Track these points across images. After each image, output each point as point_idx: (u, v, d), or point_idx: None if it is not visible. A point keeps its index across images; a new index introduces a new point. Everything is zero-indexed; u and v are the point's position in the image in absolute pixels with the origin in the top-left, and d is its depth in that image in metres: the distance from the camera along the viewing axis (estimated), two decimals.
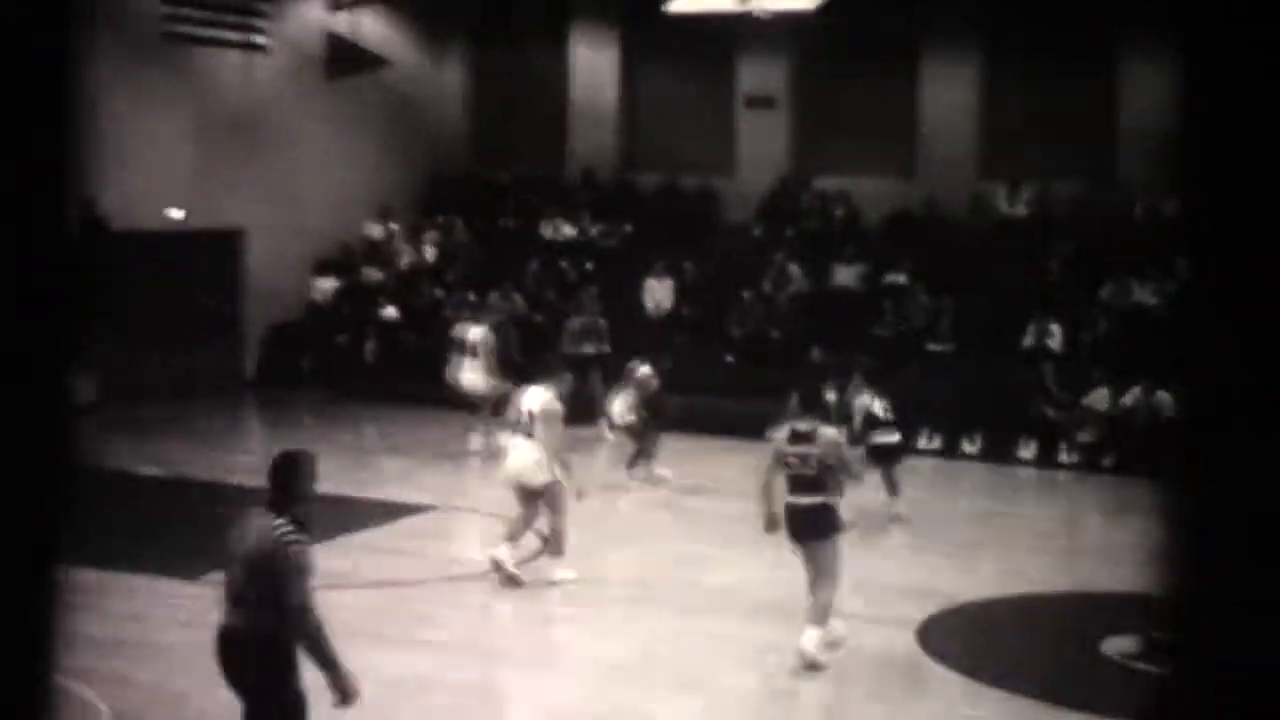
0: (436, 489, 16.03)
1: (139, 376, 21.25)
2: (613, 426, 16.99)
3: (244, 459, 18.20)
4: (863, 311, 20.80)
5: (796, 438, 10.34)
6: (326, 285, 23.50)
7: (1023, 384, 18.52)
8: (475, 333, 18.24)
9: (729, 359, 20.82)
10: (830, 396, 18.86)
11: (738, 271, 22.14)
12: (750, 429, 17.86)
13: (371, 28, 24.12)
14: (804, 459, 10.22)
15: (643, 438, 16.56)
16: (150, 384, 21.35)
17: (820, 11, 20.48)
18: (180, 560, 12.71)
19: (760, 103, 24.12)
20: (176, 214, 21.44)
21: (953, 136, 22.76)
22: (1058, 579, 12.93)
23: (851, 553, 13.74)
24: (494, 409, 17.19)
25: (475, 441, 18.06)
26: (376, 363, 22.30)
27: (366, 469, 17.25)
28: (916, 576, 12.90)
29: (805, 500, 10.26)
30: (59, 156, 1.61)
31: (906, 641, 11.00)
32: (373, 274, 23.74)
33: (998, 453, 18.33)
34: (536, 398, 12.24)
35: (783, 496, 10.40)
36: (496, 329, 18.72)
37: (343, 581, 12.07)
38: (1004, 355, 19.29)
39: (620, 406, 16.75)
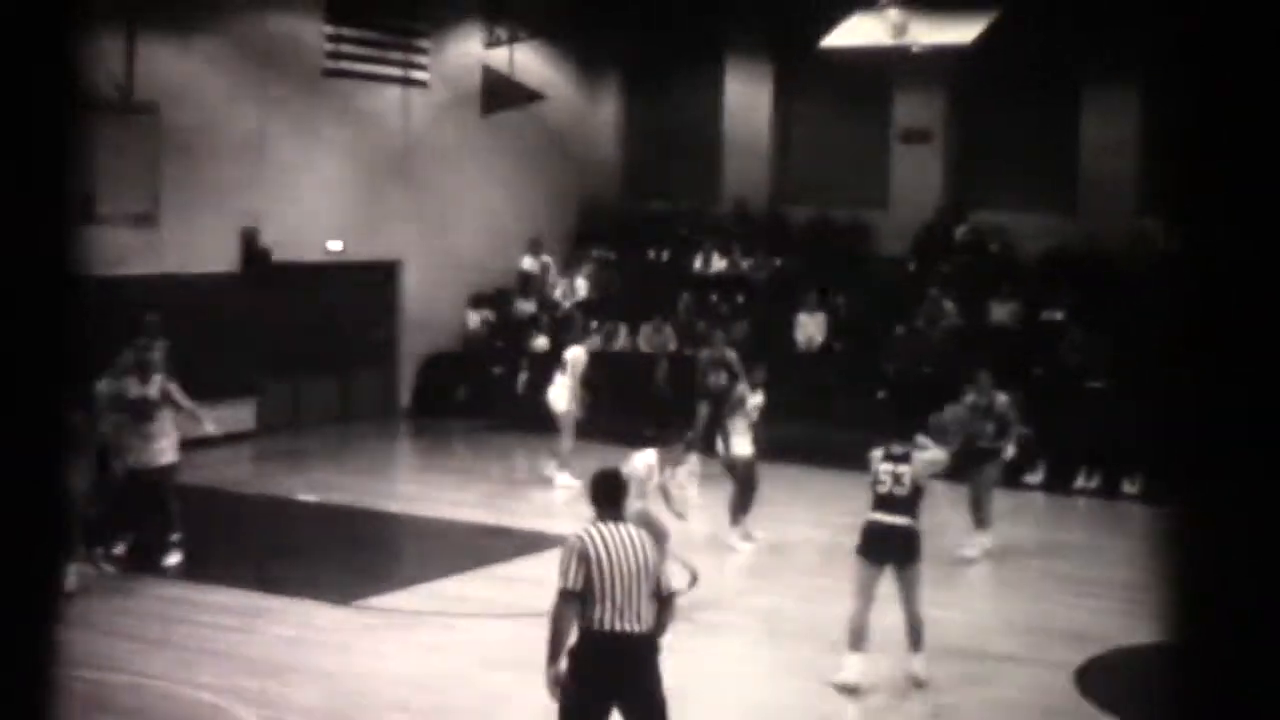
0: (586, 520, 16.01)
1: (297, 405, 21.69)
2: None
3: (398, 487, 18.45)
4: (1019, 348, 20.43)
5: (891, 457, 10.32)
6: (481, 316, 23.77)
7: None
8: (571, 352, 18.27)
9: (880, 395, 20.59)
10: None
11: (890, 306, 21.92)
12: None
13: (527, 62, 24.40)
14: (897, 477, 10.19)
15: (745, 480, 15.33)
16: (308, 412, 21.77)
17: (978, 44, 20.25)
18: (336, 585, 12.90)
19: (916, 136, 23.91)
20: (335, 245, 21.87)
21: (1112, 170, 22.31)
22: None
23: (1005, 593, 13.53)
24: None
25: (549, 469, 17.95)
26: (529, 394, 22.45)
27: (517, 499, 17.35)
28: (1075, 619, 12.59)
29: (895, 520, 10.19)
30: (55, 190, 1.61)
31: (1064, 685, 10.73)
32: (525, 306, 23.95)
33: (1159, 494, 17.81)
34: (641, 460, 12.04)
35: (868, 514, 10.35)
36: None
37: (495, 611, 12.14)
38: (1165, 393, 18.77)
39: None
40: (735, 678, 10.91)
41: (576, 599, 7.15)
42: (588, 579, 7.12)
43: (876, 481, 10.27)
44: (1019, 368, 19.82)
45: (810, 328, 22.04)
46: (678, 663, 11.03)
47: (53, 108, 1.58)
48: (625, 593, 7.13)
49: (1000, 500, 18.16)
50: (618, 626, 7.11)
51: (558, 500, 17.06)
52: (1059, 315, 20.89)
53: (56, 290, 1.59)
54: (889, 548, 10.19)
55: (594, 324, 22.88)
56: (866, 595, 10.20)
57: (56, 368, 1.61)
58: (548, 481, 17.74)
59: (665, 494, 12.35)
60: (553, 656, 7.17)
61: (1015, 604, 13.09)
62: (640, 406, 20.99)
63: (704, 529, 14.78)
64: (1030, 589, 13.70)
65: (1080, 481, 18.26)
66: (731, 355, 19.30)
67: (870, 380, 20.75)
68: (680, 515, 12.53)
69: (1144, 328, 20.16)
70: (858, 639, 10.19)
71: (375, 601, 12.55)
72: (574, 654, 7.20)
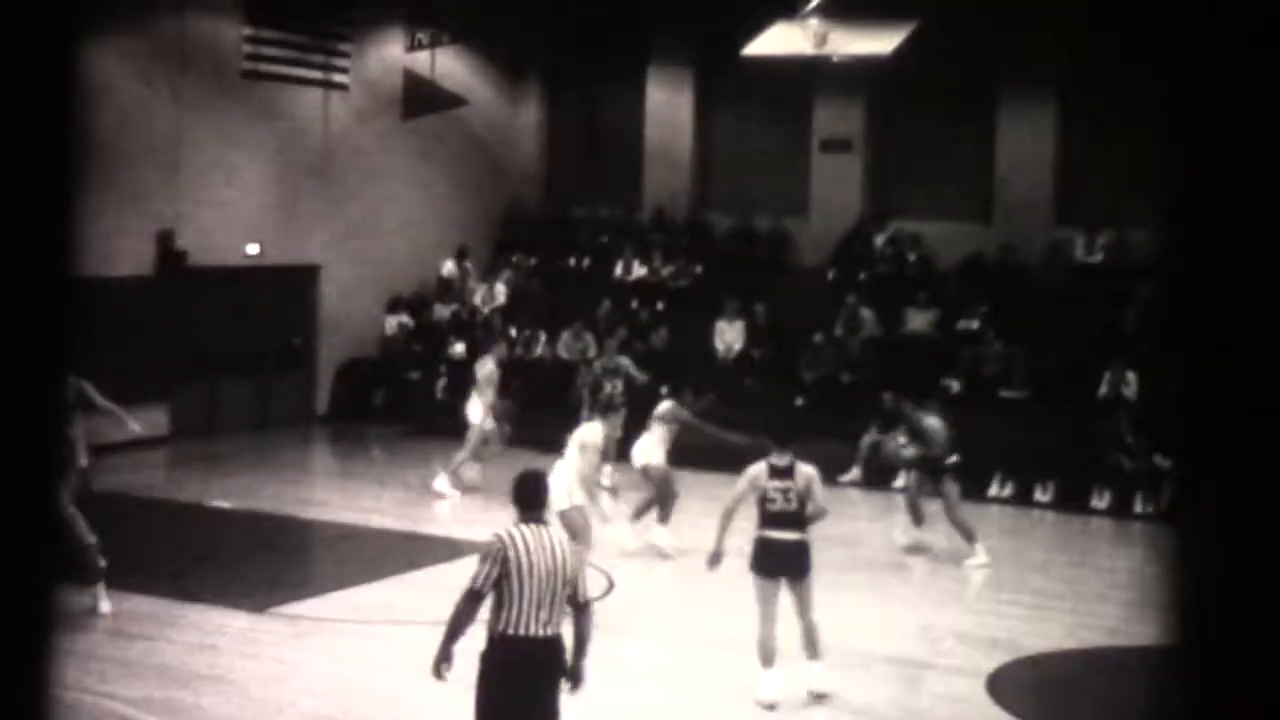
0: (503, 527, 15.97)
1: (212, 410, 21.46)
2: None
3: (314, 493, 18.30)
4: (935, 357, 20.62)
5: (775, 472, 10.20)
6: (399, 322, 23.64)
7: (1098, 433, 18.26)
8: (481, 366, 18.19)
9: (799, 402, 20.70)
10: (866, 439, 18.79)
11: (809, 314, 22.03)
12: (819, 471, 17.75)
13: (449, 67, 24.31)
14: (785, 493, 10.12)
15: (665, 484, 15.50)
16: (223, 417, 21.55)
17: (897, 55, 20.43)
18: (249, 592, 12.78)
19: (835, 145, 24.08)
20: (253, 249, 21.67)
21: (1029, 181, 22.59)
22: (1131, 630, 12.70)
23: (922, 599, 13.64)
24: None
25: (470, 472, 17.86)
26: (447, 400, 22.36)
27: (433, 506, 17.26)
28: (987, 625, 12.72)
29: (789, 535, 10.16)
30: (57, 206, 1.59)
31: (977, 691, 10.83)
32: (443, 311, 23.86)
33: (1071, 502, 18.07)
34: (584, 429, 13.13)
35: (759, 531, 10.27)
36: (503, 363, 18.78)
37: (409, 618, 12.07)
38: (1079, 404, 19.05)
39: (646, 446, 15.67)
40: (650, 687, 10.91)
41: (480, 599, 7.25)
42: (501, 581, 7.17)
43: (766, 499, 10.16)
44: (935, 376, 20.05)
45: (730, 335, 22.12)
46: (594, 671, 11.03)
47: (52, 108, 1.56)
48: (539, 596, 7.17)
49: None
50: (528, 631, 7.15)
51: (466, 507, 16.99)
52: (975, 324, 21.10)
53: (56, 296, 1.56)
54: (782, 563, 10.18)
55: (512, 331, 22.83)
56: (769, 610, 10.19)
57: (52, 377, 1.59)
58: (437, 494, 17.50)
59: (592, 495, 12.62)
60: (445, 642, 7.31)
61: (929, 611, 13.19)
62: (558, 413, 20.99)
63: (623, 537, 14.77)
64: (945, 596, 13.82)
65: (994, 489, 18.44)
66: (625, 362, 19.36)
67: (789, 388, 20.86)
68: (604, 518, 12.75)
69: (1058, 337, 20.44)
70: (768, 655, 10.19)
71: (288, 609, 12.44)
72: (483, 659, 7.26)
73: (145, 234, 20.05)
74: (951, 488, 15.12)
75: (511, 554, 7.21)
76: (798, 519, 10.17)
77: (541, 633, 7.18)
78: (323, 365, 23.24)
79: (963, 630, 12.49)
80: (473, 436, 17.63)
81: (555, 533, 7.57)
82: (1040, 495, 18.31)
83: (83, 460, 12.71)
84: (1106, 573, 15.41)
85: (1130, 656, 12.05)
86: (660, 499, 15.09)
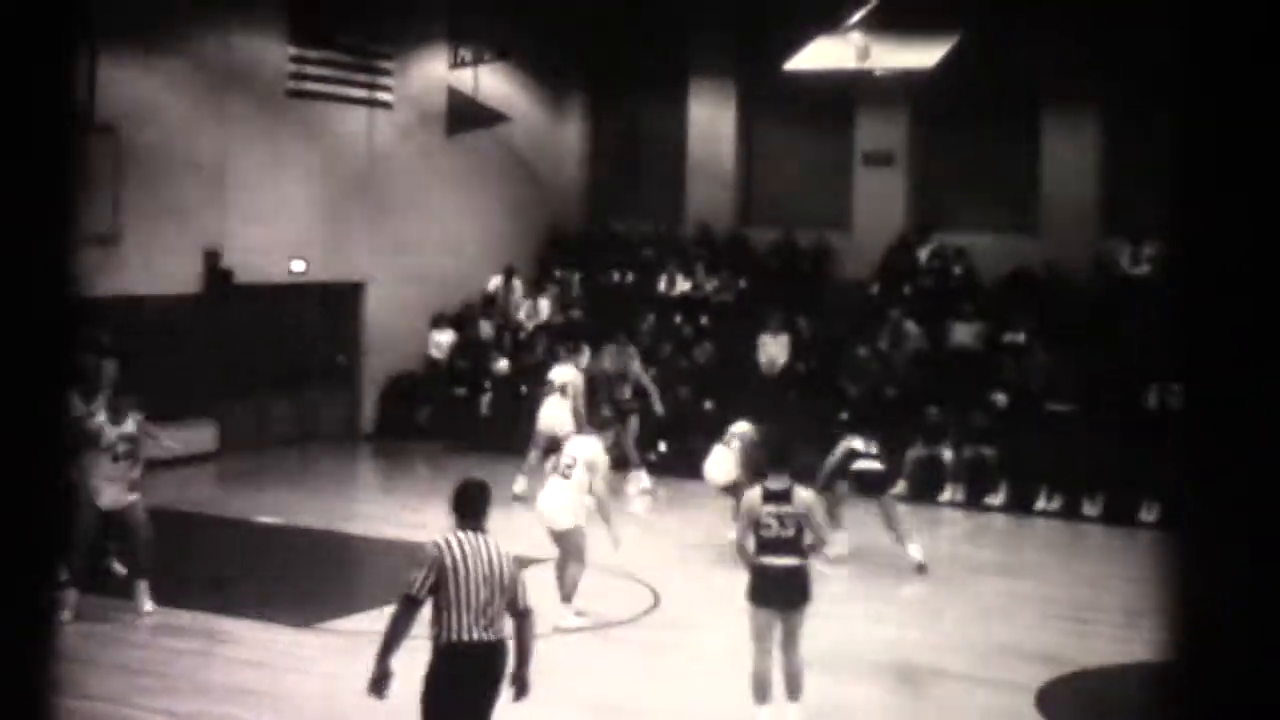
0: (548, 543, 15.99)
1: (259, 426, 21.59)
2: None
3: (360, 509, 18.37)
4: (981, 370, 20.53)
5: (771, 496, 9.72)
6: (443, 338, 23.71)
7: (1146, 446, 18.10)
8: (561, 373, 18.30)
9: (843, 416, 20.61)
10: (911, 454, 18.75)
11: (853, 328, 21.98)
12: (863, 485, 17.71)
13: (492, 84, 24.41)
14: (780, 519, 9.63)
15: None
16: (269, 433, 21.68)
17: (940, 68, 20.36)
18: (296, 607, 12.82)
19: (878, 159, 24.03)
20: (298, 266, 21.80)
21: (1073, 192, 22.47)
22: None
23: (968, 613, 13.56)
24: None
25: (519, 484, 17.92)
26: (492, 416, 22.42)
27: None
28: (1035, 639, 12.63)
29: (785, 562, 9.64)
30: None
31: (1025, 706, 10.75)
32: (487, 327, 23.93)
33: (1120, 516, 17.92)
34: (585, 448, 12.54)
35: (755, 559, 9.73)
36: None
37: None
38: (1127, 416, 18.89)
39: (722, 466, 15.96)
40: (689, 698, 10.88)
41: (417, 606, 7.35)
42: (438, 587, 7.26)
43: (761, 525, 9.65)
44: (980, 389, 19.96)
45: (773, 349, 22.08)
46: (632, 680, 11.02)
47: (51, 127, 1.58)
48: (478, 602, 7.24)
49: (962, 521, 18.29)
50: (469, 636, 7.24)
51: (513, 521, 16.98)
52: (1021, 337, 20.99)
53: (60, 314, 1.58)
54: (782, 591, 9.68)
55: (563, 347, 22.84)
56: (765, 643, 9.75)
57: (57, 392, 1.61)
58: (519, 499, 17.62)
59: (607, 515, 12.42)
60: (381, 654, 7.38)
61: (976, 624, 13.12)
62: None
63: (664, 549, 14.77)
64: (991, 609, 13.73)
65: (1041, 503, 18.33)
66: (636, 369, 19.38)
67: (833, 402, 20.79)
68: (618, 544, 12.53)
69: (1105, 349, 20.30)
70: (763, 691, 9.75)
71: (335, 624, 12.49)
72: (429, 667, 7.36)
73: (192, 252, 20.21)
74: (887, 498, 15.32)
75: (447, 560, 7.31)
76: (795, 545, 9.66)
77: (482, 637, 7.25)
78: (368, 382, 23.34)
79: (1010, 644, 12.40)
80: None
81: (493, 541, 7.57)
82: (1089, 509, 18.17)
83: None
84: (1155, 587, 15.25)
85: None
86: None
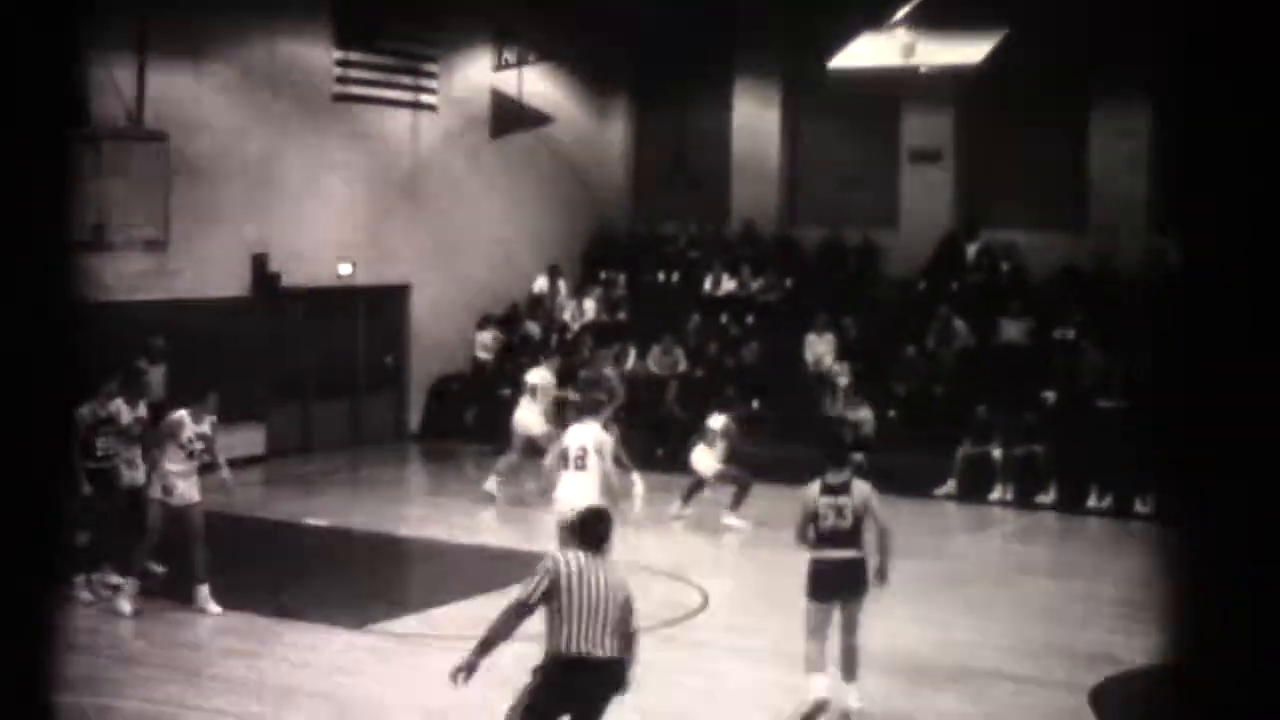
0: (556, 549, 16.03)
1: (306, 429, 21.69)
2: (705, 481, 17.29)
3: (408, 511, 18.42)
4: (1030, 368, 20.39)
5: (829, 489, 9.95)
6: (489, 339, 23.75)
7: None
8: (534, 375, 18.51)
9: (891, 414, 20.54)
10: (961, 452, 18.77)
11: (901, 326, 21.88)
12: (912, 485, 17.66)
13: (536, 85, 24.44)
14: (839, 510, 9.85)
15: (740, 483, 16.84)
16: (317, 436, 21.77)
17: (986, 64, 20.24)
18: (347, 609, 12.87)
19: (925, 156, 23.91)
20: (345, 269, 21.89)
21: (1123, 187, 22.27)
22: None
23: (1020, 613, 13.46)
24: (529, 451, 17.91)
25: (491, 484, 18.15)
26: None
27: (527, 522, 17.29)
28: (1088, 639, 12.53)
29: (842, 554, 9.84)
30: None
31: (1078, 707, 10.67)
32: (533, 328, 23.95)
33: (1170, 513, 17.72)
34: (588, 433, 12.70)
35: (813, 552, 9.93)
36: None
37: (516, 635, 12.08)
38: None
39: (706, 460, 17.01)
40: (741, 701, 10.85)
41: (528, 611, 7.47)
42: (550, 598, 7.39)
43: (818, 517, 9.85)
44: (1030, 387, 19.82)
45: (820, 348, 22.00)
46: (680, 684, 10.99)
47: (52, 134, 1.57)
48: (590, 620, 7.38)
49: (1012, 520, 18.17)
50: (574, 650, 7.37)
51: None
52: (1071, 334, 20.83)
53: (58, 317, 1.57)
54: (840, 583, 9.84)
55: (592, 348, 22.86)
56: (820, 636, 9.89)
57: (59, 392, 1.60)
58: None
59: (614, 496, 12.55)
60: (479, 649, 7.54)
61: (1028, 624, 13.02)
62: (649, 428, 21.02)
63: (712, 550, 14.74)
64: (1044, 609, 13.63)
65: (1092, 501, 18.18)
66: (611, 374, 19.41)
67: (881, 401, 20.70)
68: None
69: (1157, 345, 20.12)
70: (815, 663, 9.89)
71: (387, 626, 12.52)
72: (534, 675, 7.54)
73: (240, 256, 20.32)
74: None
75: (562, 571, 7.45)
76: (853, 536, 9.86)
77: (588, 653, 7.39)
78: (414, 384, 23.41)
79: (1063, 644, 12.31)
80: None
81: (607, 567, 7.70)
82: (1140, 507, 18.00)
83: (136, 477, 12.95)
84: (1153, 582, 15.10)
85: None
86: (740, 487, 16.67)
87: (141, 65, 18.43)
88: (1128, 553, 16.53)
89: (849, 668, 10.04)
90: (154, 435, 12.89)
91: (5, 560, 1.57)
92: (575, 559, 7.56)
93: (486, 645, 7.53)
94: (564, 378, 19.51)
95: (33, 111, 1.54)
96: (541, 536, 16.32)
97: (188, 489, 12.59)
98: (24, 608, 1.59)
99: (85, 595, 12.64)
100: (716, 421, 17.10)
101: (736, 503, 16.73)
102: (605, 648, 7.43)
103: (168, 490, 12.47)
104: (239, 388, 19.55)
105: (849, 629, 9.97)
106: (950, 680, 11.12)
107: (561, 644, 7.40)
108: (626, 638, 7.58)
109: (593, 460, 12.55)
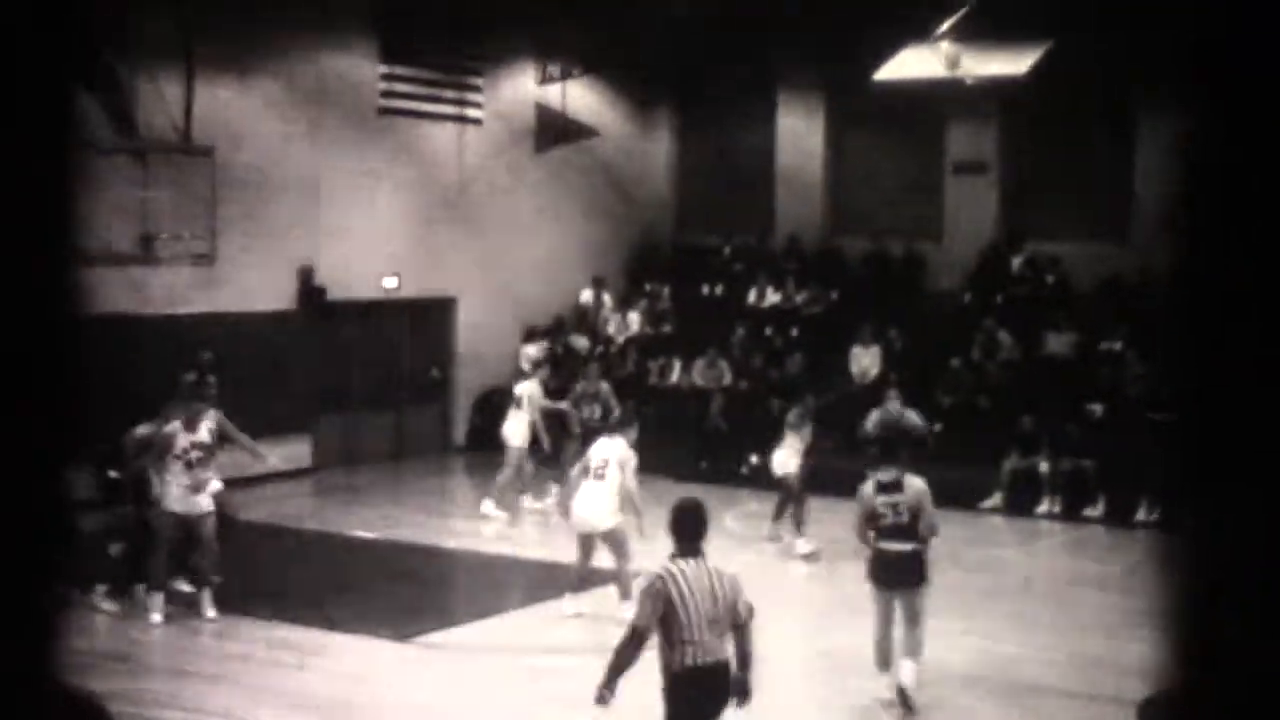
0: (641, 554, 16.00)
1: (353, 441, 21.80)
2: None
3: (454, 523, 18.47)
4: (1075, 380, 20.27)
5: (883, 488, 10.46)
6: (535, 352, 23.78)
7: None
8: (522, 386, 18.59)
9: (937, 427, 20.45)
10: (1007, 465, 18.65)
11: (946, 339, 21.80)
12: (958, 498, 17.54)
13: (580, 98, 24.52)
14: (895, 507, 10.38)
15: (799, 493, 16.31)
16: (363, 448, 21.87)
17: (1031, 75, 20.17)
18: (393, 621, 12.91)
19: (969, 168, 23.83)
20: (390, 282, 22.00)
21: (1168, 198, 22.08)
22: None
23: (1067, 626, 13.37)
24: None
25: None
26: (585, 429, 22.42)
27: (572, 535, 17.29)
28: (1137, 653, 12.42)
29: (901, 547, 10.41)
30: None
31: (1128, 719, 10.59)
32: (579, 341, 23.99)
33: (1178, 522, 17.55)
34: (614, 448, 12.92)
35: (875, 544, 10.54)
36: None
37: (553, 647, 12.11)
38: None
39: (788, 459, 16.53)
40: (786, 709, 10.83)
41: (644, 638, 7.40)
42: (666, 618, 7.32)
43: (878, 515, 10.45)
44: (1076, 399, 19.69)
45: (865, 360, 21.95)
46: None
47: (51, 150, 1.60)
48: (706, 626, 7.34)
49: (1060, 533, 18.07)
50: (701, 660, 7.33)
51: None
52: (1117, 345, 20.70)
53: (55, 333, 1.60)
54: (897, 573, 10.46)
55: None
56: (885, 619, 10.55)
57: (53, 408, 1.62)
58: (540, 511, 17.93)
59: (638, 510, 12.58)
60: (607, 680, 7.46)
61: (1076, 638, 12.93)
62: (694, 440, 21.01)
63: (757, 563, 14.69)
64: (1092, 622, 13.54)
65: (1141, 514, 18.04)
66: (605, 388, 19.37)
67: (926, 413, 20.61)
68: (644, 533, 12.51)
69: (1197, 356, 19.97)
70: (883, 659, 10.58)
71: (432, 638, 12.56)
72: (668, 695, 7.46)
73: (286, 270, 20.46)
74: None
75: (674, 590, 7.35)
76: (910, 531, 10.40)
77: (713, 659, 7.38)
78: (460, 396, 23.49)
79: (1111, 657, 12.21)
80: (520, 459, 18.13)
81: (710, 563, 7.58)
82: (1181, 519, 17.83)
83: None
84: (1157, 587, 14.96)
85: None
86: (786, 500, 16.24)
87: (189, 80, 18.61)
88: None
89: (910, 649, 10.50)
90: (152, 452, 12.95)
91: (5, 560, 1.59)
92: (681, 571, 7.41)
93: (612, 676, 7.47)
94: (560, 392, 19.56)
95: (32, 124, 1.56)
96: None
97: (194, 499, 12.71)
98: (24, 607, 1.61)
99: (109, 605, 12.78)
100: (791, 416, 16.74)
101: (781, 515, 16.45)
102: (721, 653, 7.45)
103: (174, 502, 12.62)
104: (286, 400, 19.74)
105: (911, 619, 10.46)
106: (997, 693, 11.06)
107: (686, 659, 7.32)
108: (741, 626, 7.52)
109: (613, 471, 12.75)
